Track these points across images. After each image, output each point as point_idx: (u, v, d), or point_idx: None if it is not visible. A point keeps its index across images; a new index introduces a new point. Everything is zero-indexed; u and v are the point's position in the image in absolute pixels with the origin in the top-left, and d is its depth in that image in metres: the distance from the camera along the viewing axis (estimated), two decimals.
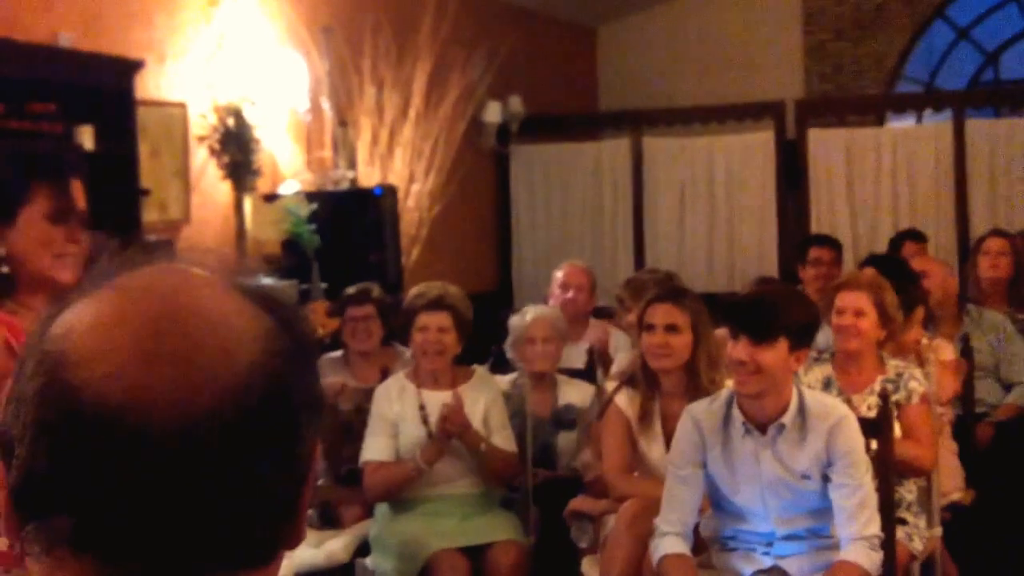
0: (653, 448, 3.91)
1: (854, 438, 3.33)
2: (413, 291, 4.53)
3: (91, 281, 0.81)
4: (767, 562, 3.40)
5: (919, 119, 8.95)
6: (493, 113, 8.36)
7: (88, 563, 0.75)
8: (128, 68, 5.38)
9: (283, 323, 0.82)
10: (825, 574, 3.30)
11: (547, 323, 4.87)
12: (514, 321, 4.91)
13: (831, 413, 3.34)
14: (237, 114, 6.14)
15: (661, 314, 3.89)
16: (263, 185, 6.41)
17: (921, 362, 4.31)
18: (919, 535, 3.91)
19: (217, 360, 0.76)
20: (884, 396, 3.76)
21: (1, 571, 1.91)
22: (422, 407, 4.19)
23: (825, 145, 8.30)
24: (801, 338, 3.32)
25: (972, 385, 5.06)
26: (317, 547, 4.20)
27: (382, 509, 4.24)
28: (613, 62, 10.04)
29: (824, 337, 4.26)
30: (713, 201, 8.56)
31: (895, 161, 8.18)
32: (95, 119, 5.18)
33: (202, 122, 6.07)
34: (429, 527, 4.05)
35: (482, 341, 4.94)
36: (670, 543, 3.38)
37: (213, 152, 6.12)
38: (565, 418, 4.78)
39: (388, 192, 6.76)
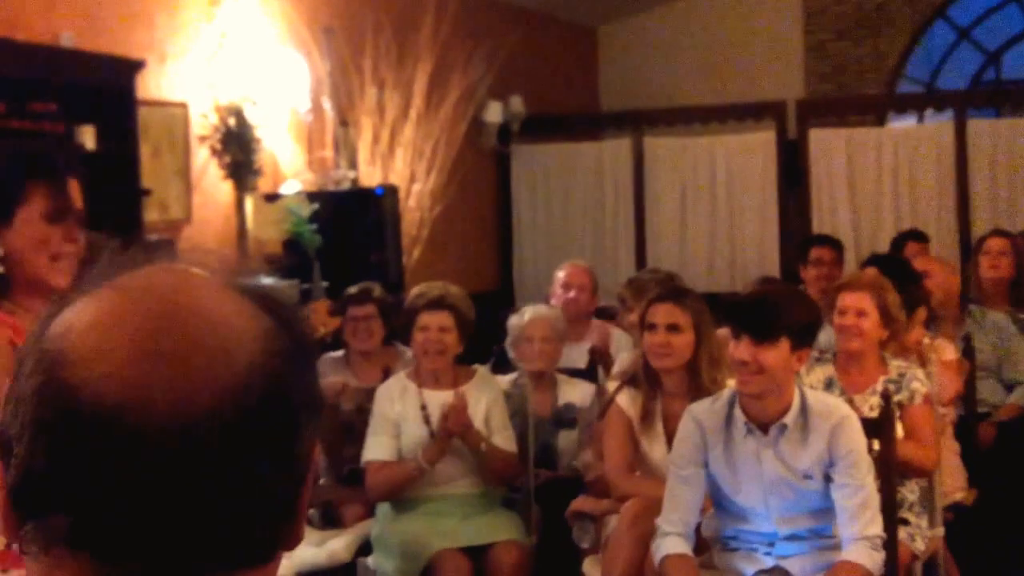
0: (655, 448, 3.91)
1: (856, 438, 3.33)
2: (414, 291, 4.53)
3: (90, 280, 0.81)
4: (769, 562, 3.40)
5: (920, 119, 8.95)
6: (494, 113, 8.36)
7: (86, 562, 0.75)
8: (129, 68, 5.38)
9: (282, 323, 0.82)
10: (826, 574, 3.30)
11: (545, 323, 4.87)
12: (512, 321, 4.92)
13: (833, 413, 3.34)
14: (238, 114, 6.14)
15: (663, 313, 3.89)
16: (264, 185, 6.41)
17: (923, 362, 4.30)
18: (921, 535, 3.91)
19: (216, 360, 0.76)
20: (886, 396, 3.76)
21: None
22: (424, 407, 4.19)
23: (826, 145, 8.29)
24: (803, 338, 3.32)
25: (974, 385, 5.06)
26: (319, 546, 4.20)
27: (384, 509, 4.24)
28: (614, 62, 10.03)
29: (826, 337, 4.26)
30: (714, 201, 8.56)
31: (896, 161, 8.18)
32: (96, 119, 5.18)
33: (203, 122, 6.07)
34: (431, 527, 4.05)
35: (483, 341, 4.94)
36: (672, 543, 3.38)
37: (214, 152, 6.12)
38: (565, 417, 4.78)
39: (389, 192, 6.76)
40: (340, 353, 5.04)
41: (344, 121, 6.94)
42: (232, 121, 6.12)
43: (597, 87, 10.08)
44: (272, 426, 0.78)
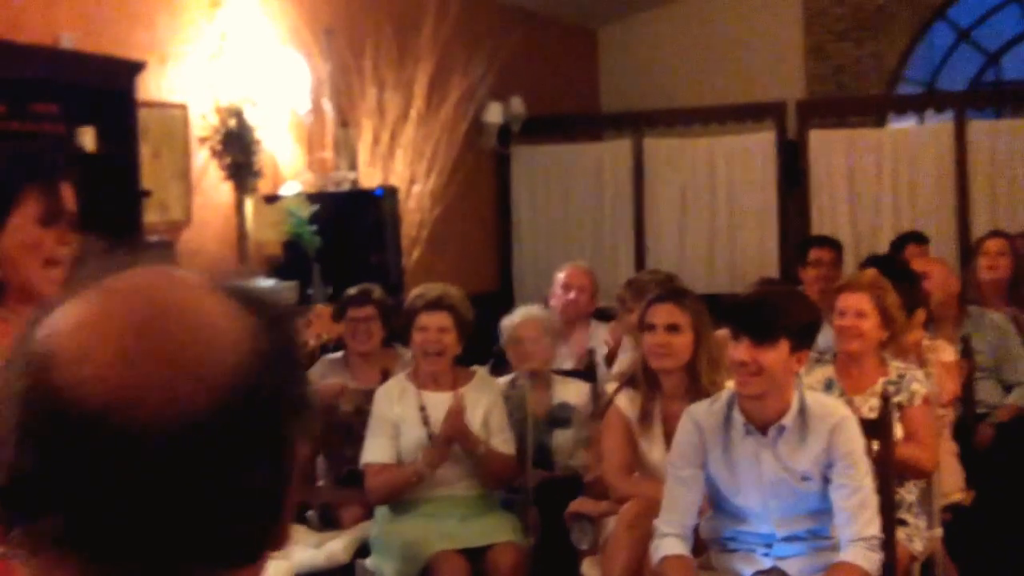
0: (653, 449, 3.91)
1: (854, 439, 3.33)
2: (414, 292, 4.54)
3: (77, 283, 0.82)
4: (767, 563, 3.40)
5: (920, 120, 8.94)
6: (494, 114, 8.36)
7: (75, 564, 0.75)
8: (129, 69, 5.39)
9: (268, 323, 0.82)
10: (824, 575, 3.30)
11: (534, 323, 4.89)
12: (504, 322, 4.95)
13: (832, 414, 3.34)
14: (238, 115, 6.14)
15: (662, 314, 3.89)
16: (264, 186, 6.41)
17: (922, 363, 4.31)
18: (919, 536, 3.91)
19: (201, 360, 0.77)
20: (885, 397, 3.76)
21: None
22: (423, 408, 4.19)
23: (826, 146, 8.29)
24: (802, 339, 3.32)
25: (972, 386, 5.06)
26: (317, 548, 4.20)
27: (382, 510, 4.24)
28: (614, 63, 10.03)
29: (825, 338, 4.26)
30: (714, 202, 8.56)
31: (896, 162, 8.17)
32: (96, 120, 5.18)
33: (203, 123, 6.07)
34: (429, 528, 4.05)
35: (483, 342, 4.95)
36: (670, 544, 3.38)
37: (214, 153, 6.12)
38: (560, 416, 4.79)
39: (389, 193, 6.76)
40: (339, 354, 5.05)
41: (344, 122, 6.94)
42: (232, 122, 6.12)
43: (597, 88, 10.08)
44: (258, 426, 0.78)
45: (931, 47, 10.24)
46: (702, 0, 9.75)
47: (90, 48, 5.30)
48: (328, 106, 6.81)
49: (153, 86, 5.74)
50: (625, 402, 3.97)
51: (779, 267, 8.03)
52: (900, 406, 3.91)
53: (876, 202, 8.21)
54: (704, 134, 8.72)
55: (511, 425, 4.30)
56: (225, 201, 6.24)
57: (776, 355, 3.26)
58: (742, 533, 3.46)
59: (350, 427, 4.42)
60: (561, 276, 5.78)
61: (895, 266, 4.79)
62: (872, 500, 3.33)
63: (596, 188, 8.80)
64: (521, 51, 8.25)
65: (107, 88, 5.28)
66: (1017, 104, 9.01)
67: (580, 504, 4.20)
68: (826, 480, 3.32)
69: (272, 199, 6.35)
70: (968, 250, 7.04)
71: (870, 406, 3.88)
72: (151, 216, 5.64)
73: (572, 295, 5.68)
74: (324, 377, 4.86)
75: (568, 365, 5.25)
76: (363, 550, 4.24)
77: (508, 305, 5.47)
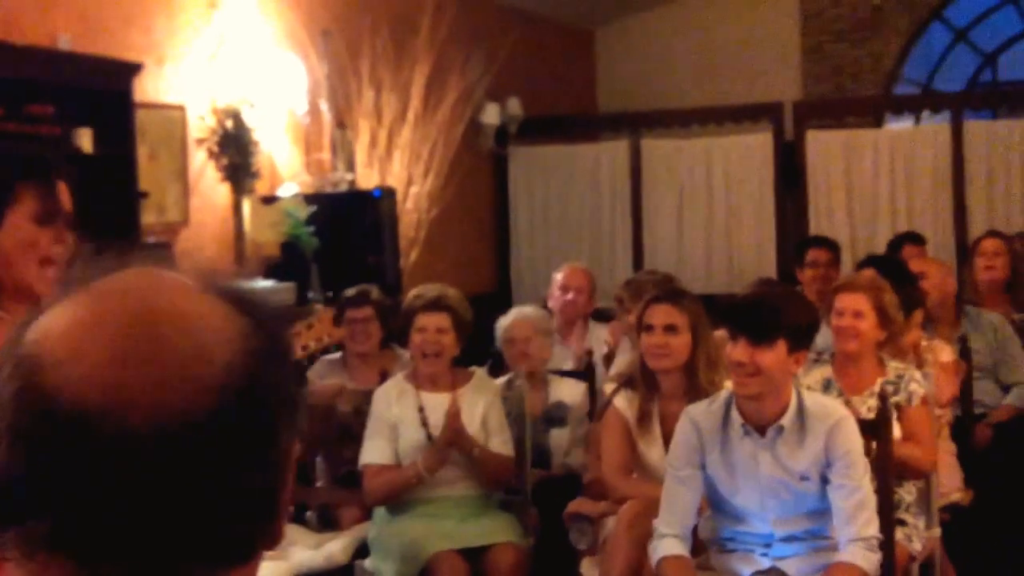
0: (652, 449, 3.91)
1: (853, 439, 3.33)
2: (412, 293, 4.53)
3: (66, 285, 0.82)
4: (765, 563, 3.40)
5: (917, 121, 8.95)
6: (491, 115, 8.36)
7: (70, 566, 0.75)
8: (127, 70, 5.38)
9: (257, 323, 0.82)
10: (823, 575, 3.30)
11: (527, 323, 4.90)
12: (498, 323, 4.96)
13: (830, 414, 3.34)
14: (236, 116, 6.14)
15: (660, 314, 3.89)
16: (262, 187, 6.41)
17: (920, 364, 4.31)
18: (918, 536, 3.91)
19: (192, 361, 0.77)
20: (883, 397, 3.76)
21: None
22: (421, 409, 4.19)
23: (823, 147, 8.30)
24: (800, 340, 3.32)
25: (971, 386, 5.06)
26: (316, 549, 4.20)
27: (380, 511, 4.24)
28: (611, 64, 10.04)
29: (823, 339, 4.26)
30: (711, 203, 8.56)
31: (893, 163, 8.18)
32: (94, 121, 5.18)
33: (201, 124, 6.07)
34: (428, 529, 4.05)
35: (481, 343, 4.95)
36: (669, 545, 3.38)
37: (212, 154, 6.12)
38: (555, 415, 4.79)
39: (387, 194, 6.76)
40: (338, 355, 5.04)
41: (341, 123, 6.94)
42: (230, 123, 6.12)
43: (594, 89, 10.09)
44: (251, 426, 0.79)
45: (928, 48, 10.25)
46: (699, 1, 9.76)
47: (87, 49, 5.30)
48: (325, 107, 6.81)
49: (150, 87, 5.74)
50: (623, 403, 3.97)
51: (777, 268, 8.04)
52: (898, 406, 3.91)
53: (873, 202, 8.22)
54: (701, 135, 8.72)
55: (510, 425, 4.29)
56: (223, 202, 6.24)
57: (774, 356, 3.26)
58: (741, 533, 3.46)
59: (348, 428, 4.41)
60: (559, 277, 5.78)
61: (892, 266, 4.79)
62: (871, 500, 3.33)
63: (594, 189, 8.80)
64: (518, 52, 8.26)
65: (104, 89, 5.28)
66: (1014, 104, 9.01)
67: (579, 504, 4.20)
68: (824, 480, 3.32)
69: (270, 200, 6.35)
70: (965, 250, 7.05)
71: (868, 406, 3.88)
72: (148, 217, 5.63)
73: (570, 296, 5.68)
74: (323, 378, 4.86)
75: (569, 365, 5.25)
76: (362, 551, 4.24)
77: (506, 306, 5.47)
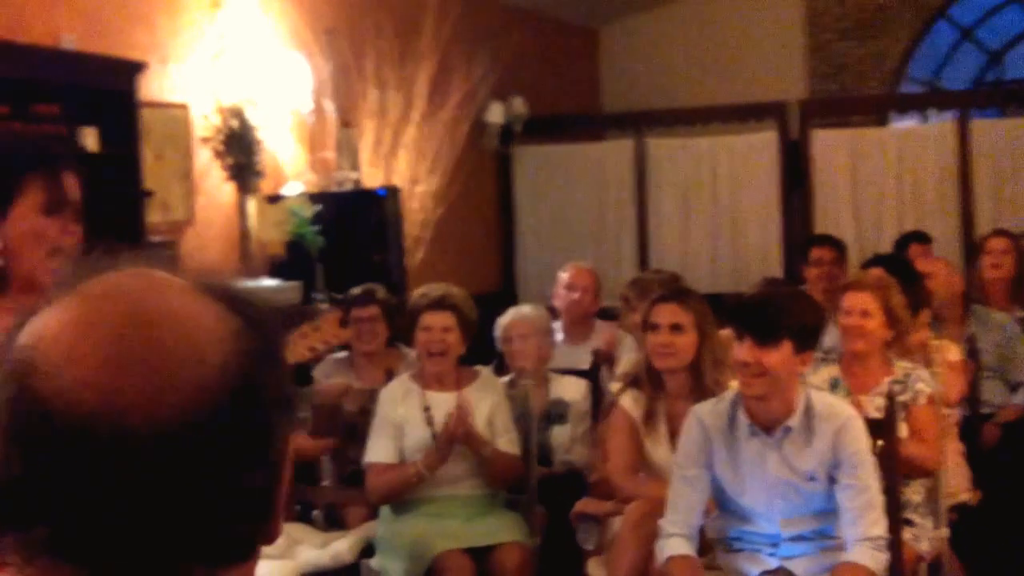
0: (658, 449, 3.90)
1: (860, 439, 3.32)
2: (417, 292, 4.53)
3: (57, 288, 0.82)
4: (773, 563, 3.39)
5: (923, 119, 8.93)
6: (496, 114, 8.36)
7: (69, 570, 0.75)
8: (131, 69, 5.38)
9: (251, 323, 0.82)
10: (830, 575, 3.29)
11: (525, 322, 4.89)
12: (498, 323, 4.96)
13: (838, 415, 3.33)
14: (240, 115, 6.13)
15: (665, 314, 3.88)
16: (266, 186, 6.40)
17: (927, 363, 4.29)
18: (926, 536, 3.90)
19: (186, 362, 0.77)
20: (890, 397, 3.75)
21: None
22: (427, 408, 4.18)
23: (828, 145, 8.28)
24: (806, 340, 3.31)
25: (978, 386, 5.05)
26: (322, 548, 4.19)
27: (386, 510, 4.23)
28: (616, 63, 10.03)
29: (830, 337, 4.25)
30: (716, 202, 8.55)
31: (899, 161, 8.16)
32: (98, 121, 5.18)
33: (205, 123, 6.07)
34: (434, 528, 4.04)
35: (486, 342, 4.94)
36: (675, 544, 3.37)
37: (216, 153, 6.11)
38: (555, 413, 4.79)
39: (391, 193, 6.76)
40: (343, 354, 5.03)
41: (346, 122, 6.93)
42: (234, 122, 6.12)
43: (599, 88, 10.08)
44: (246, 426, 0.79)
45: (933, 46, 10.23)
46: (704, 0, 9.75)
47: (91, 48, 5.30)
48: (330, 106, 6.80)
49: (155, 86, 5.74)
50: (629, 402, 3.96)
51: (782, 267, 8.03)
52: (905, 405, 3.90)
53: (879, 202, 8.20)
54: (706, 134, 8.71)
55: (514, 424, 4.29)
56: (227, 201, 6.23)
57: (779, 356, 3.24)
58: (748, 533, 3.45)
59: (354, 427, 4.40)
60: (564, 276, 5.77)
61: (898, 265, 4.77)
62: (878, 500, 3.32)
63: (598, 188, 8.79)
64: (523, 51, 8.25)
65: (109, 88, 5.28)
66: (1020, 103, 8.98)
67: (585, 504, 4.19)
68: (832, 480, 3.31)
69: (274, 199, 6.34)
70: (972, 249, 7.03)
71: (876, 406, 3.87)
72: (153, 216, 5.63)
73: (576, 295, 5.67)
74: (328, 377, 4.85)
75: (586, 366, 5.22)
76: (368, 550, 4.23)
77: (511, 305, 5.46)
